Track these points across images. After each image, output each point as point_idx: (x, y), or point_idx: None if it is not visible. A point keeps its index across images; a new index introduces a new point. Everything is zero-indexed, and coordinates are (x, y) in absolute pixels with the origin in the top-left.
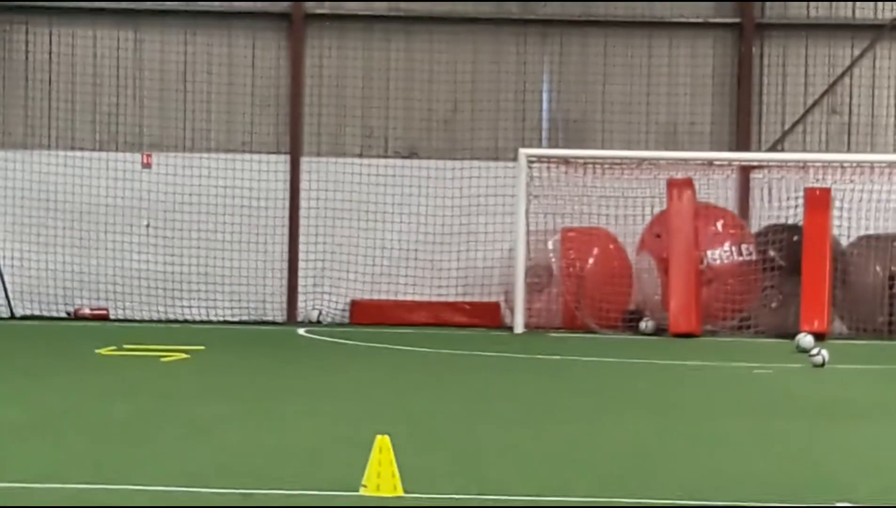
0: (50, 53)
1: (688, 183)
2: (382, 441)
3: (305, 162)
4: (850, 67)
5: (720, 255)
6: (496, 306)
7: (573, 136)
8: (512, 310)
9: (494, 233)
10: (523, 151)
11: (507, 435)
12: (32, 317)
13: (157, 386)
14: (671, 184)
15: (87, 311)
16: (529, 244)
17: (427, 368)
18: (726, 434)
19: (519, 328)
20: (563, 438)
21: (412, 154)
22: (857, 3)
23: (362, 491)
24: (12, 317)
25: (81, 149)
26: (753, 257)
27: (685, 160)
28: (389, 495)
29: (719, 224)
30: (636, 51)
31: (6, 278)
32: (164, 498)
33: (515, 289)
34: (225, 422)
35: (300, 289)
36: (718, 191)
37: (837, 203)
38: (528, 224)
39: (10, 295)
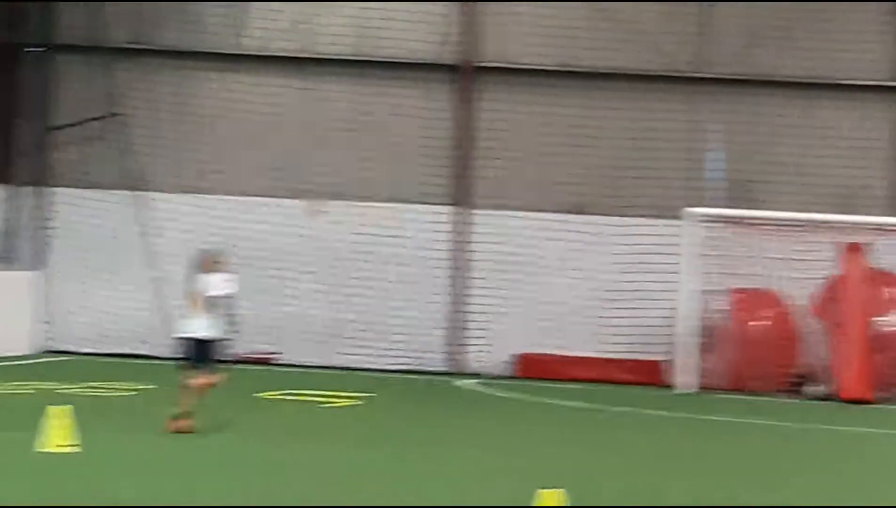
0: (223, 101)
1: (860, 248)
2: (554, 496)
3: (476, 215)
4: None
5: (893, 321)
6: (659, 364)
7: (743, 196)
8: (675, 369)
9: (660, 292)
10: (690, 211)
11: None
12: None
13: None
14: (844, 248)
15: (251, 355)
16: (697, 304)
17: (590, 426)
18: None
19: (686, 387)
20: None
21: (581, 210)
22: None
23: None
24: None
25: (255, 195)
26: None
27: (858, 224)
28: None
29: (892, 290)
30: (809, 112)
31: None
32: None
33: (677, 349)
34: (384, 471)
35: (466, 341)
36: (892, 257)
37: None
38: (695, 284)
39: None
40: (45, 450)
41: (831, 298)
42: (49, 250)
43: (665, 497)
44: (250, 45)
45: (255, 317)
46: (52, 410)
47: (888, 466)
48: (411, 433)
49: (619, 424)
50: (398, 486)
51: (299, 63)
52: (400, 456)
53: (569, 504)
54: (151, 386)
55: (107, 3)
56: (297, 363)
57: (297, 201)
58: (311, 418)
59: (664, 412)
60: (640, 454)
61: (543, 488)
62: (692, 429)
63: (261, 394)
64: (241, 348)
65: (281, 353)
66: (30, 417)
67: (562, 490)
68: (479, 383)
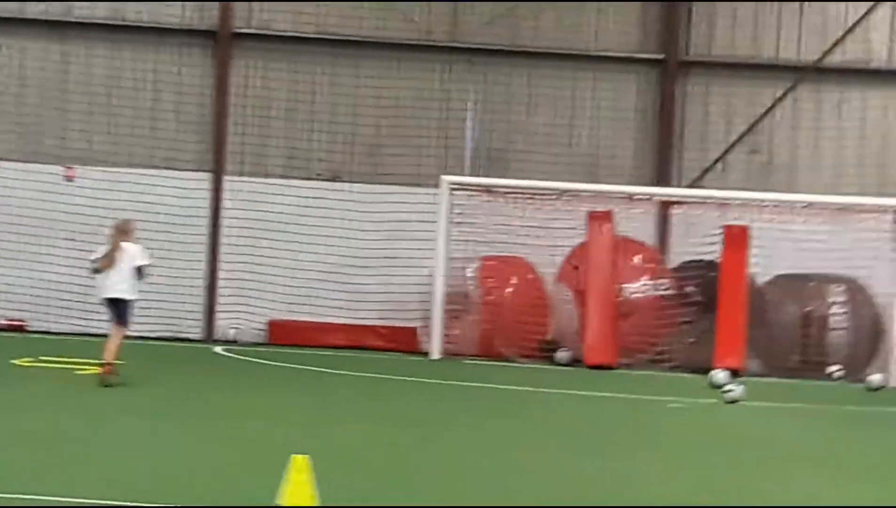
0: None
1: (608, 216)
2: (299, 462)
3: (228, 181)
4: (772, 108)
5: (637, 289)
6: (413, 331)
7: (496, 165)
8: (429, 336)
9: (414, 259)
10: (445, 178)
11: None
12: None
13: (71, 400)
14: (591, 216)
15: (3, 321)
16: (449, 271)
17: (342, 391)
18: (638, 468)
19: (435, 354)
20: (466, 458)
21: (335, 177)
22: (781, 45)
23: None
24: None
25: (4, 160)
26: (670, 292)
27: (606, 193)
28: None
29: (637, 258)
30: (561, 82)
31: None
32: None
33: (433, 316)
34: (138, 439)
35: (218, 307)
36: (638, 225)
37: (755, 242)
38: (447, 251)
39: None
40: None
41: (577, 266)
42: None
43: (407, 459)
44: (6, 7)
45: (7, 285)
46: None
47: (621, 428)
48: (167, 401)
49: (367, 390)
50: (155, 455)
51: (55, 27)
52: (149, 423)
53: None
54: None
55: None
56: (52, 332)
57: (51, 167)
58: (65, 386)
59: (414, 378)
60: (386, 418)
61: (295, 454)
62: (440, 394)
63: (15, 361)
64: None
65: (35, 320)
66: None
67: (307, 455)
68: (231, 349)
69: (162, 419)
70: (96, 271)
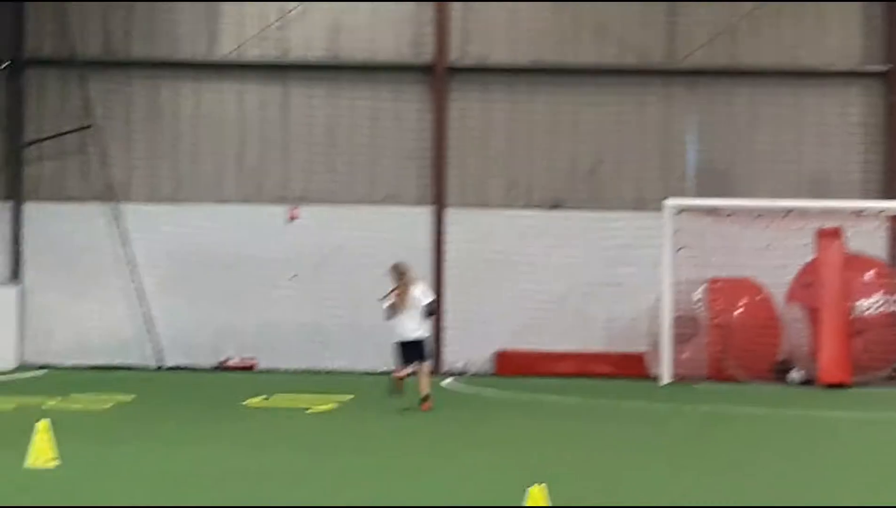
0: (198, 107)
1: (837, 233)
2: (537, 492)
3: (450, 213)
4: None
5: (870, 305)
6: (641, 356)
7: (719, 186)
8: (658, 360)
9: (641, 284)
10: (669, 202)
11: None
12: (181, 367)
13: (306, 438)
14: (820, 234)
15: (234, 363)
16: (676, 295)
17: (575, 419)
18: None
19: (666, 378)
20: (720, 484)
21: (557, 205)
22: None
23: None
24: (160, 368)
25: (228, 202)
26: None
27: (834, 210)
28: None
29: (869, 274)
30: (783, 99)
31: (157, 329)
32: None
33: (661, 340)
34: (370, 474)
35: (445, 340)
36: (868, 241)
37: None
38: (674, 275)
39: (161, 346)
40: (32, 466)
41: (808, 283)
42: (25, 264)
43: (653, 487)
44: (222, 53)
45: (235, 325)
46: (38, 425)
47: (863, 450)
48: (398, 436)
49: (603, 417)
50: (392, 489)
51: (272, 70)
52: (380, 458)
53: (550, 502)
54: (131, 397)
55: (76, 16)
56: (280, 370)
57: (274, 207)
58: (296, 424)
59: (646, 403)
60: (628, 447)
61: (533, 484)
62: (679, 419)
63: (246, 402)
64: (226, 355)
65: (265, 358)
66: (12, 434)
67: (544, 485)
68: (461, 381)
69: (394, 453)
70: (389, 317)
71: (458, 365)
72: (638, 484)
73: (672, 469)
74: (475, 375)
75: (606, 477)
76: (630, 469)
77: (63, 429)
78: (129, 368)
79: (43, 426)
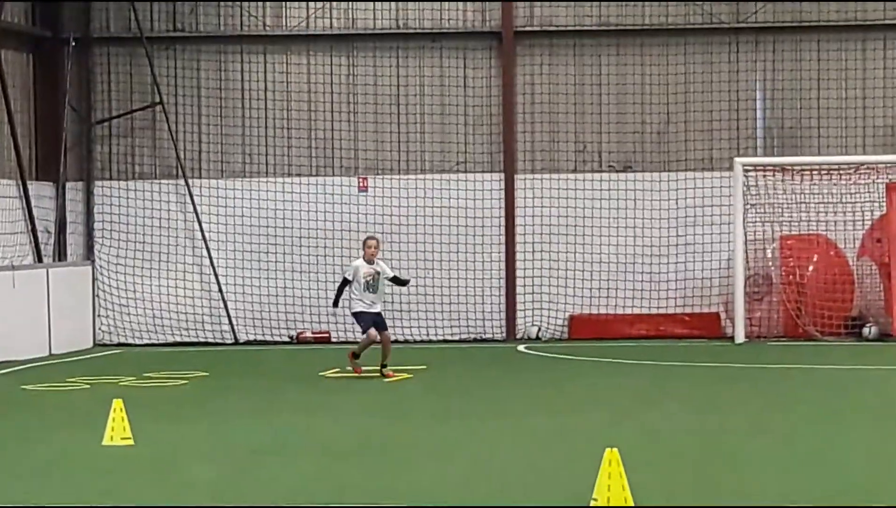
0: (265, 81)
1: None
2: (612, 455)
3: (520, 179)
4: None
5: None
6: (716, 316)
7: (788, 143)
8: (732, 320)
9: (712, 244)
10: (738, 160)
11: (737, 446)
12: (255, 342)
13: (385, 407)
14: (890, 188)
15: (309, 335)
16: (748, 254)
17: (650, 382)
18: None
19: (740, 338)
20: (798, 446)
21: (627, 168)
22: None
23: (593, 504)
24: (236, 342)
25: (298, 175)
26: None
27: None
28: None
29: None
30: (850, 54)
31: (230, 304)
32: None
33: (735, 299)
34: (454, 442)
35: (518, 306)
36: None
37: None
38: (745, 234)
39: (234, 322)
40: (109, 444)
41: (879, 238)
42: (97, 243)
43: (733, 449)
44: (290, 25)
45: (311, 298)
46: (114, 404)
47: None
48: (471, 403)
49: (677, 378)
50: (471, 455)
51: (340, 39)
52: (462, 426)
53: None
54: (205, 374)
55: None
56: (354, 342)
57: (344, 179)
58: (370, 394)
59: (722, 364)
60: (702, 406)
61: (608, 447)
62: (752, 378)
63: (324, 373)
64: (300, 328)
65: (339, 331)
66: (89, 413)
67: (617, 448)
68: (534, 347)
69: (475, 420)
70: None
71: (532, 330)
72: (719, 446)
73: (753, 429)
74: (549, 340)
75: (678, 439)
76: (711, 431)
77: (139, 407)
78: (203, 344)
79: (118, 404)
